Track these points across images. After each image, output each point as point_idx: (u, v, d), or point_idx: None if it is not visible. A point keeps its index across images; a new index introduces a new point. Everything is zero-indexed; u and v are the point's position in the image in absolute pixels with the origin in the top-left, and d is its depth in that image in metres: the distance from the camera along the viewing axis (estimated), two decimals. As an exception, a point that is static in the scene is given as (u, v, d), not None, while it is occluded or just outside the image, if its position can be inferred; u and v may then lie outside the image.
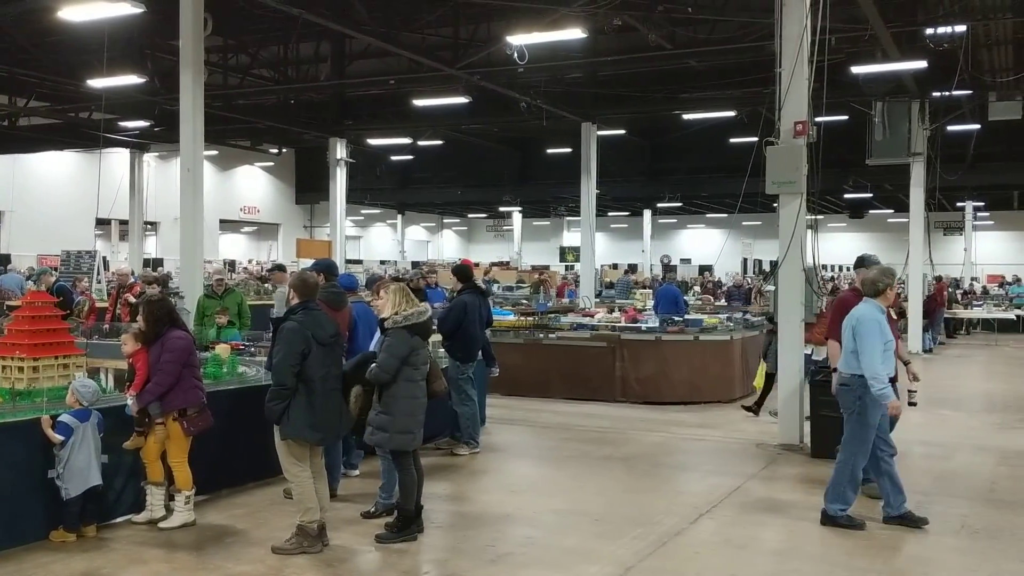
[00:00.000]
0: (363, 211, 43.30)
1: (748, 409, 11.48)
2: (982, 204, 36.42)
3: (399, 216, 44.90)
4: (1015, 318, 25.52)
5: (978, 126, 21.22)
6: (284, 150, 35.59)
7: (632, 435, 10.30)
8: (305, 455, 6.10)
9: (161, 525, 6.45)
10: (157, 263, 29.48)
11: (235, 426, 7.14)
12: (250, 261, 36.83)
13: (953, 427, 11.16)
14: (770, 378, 11.16)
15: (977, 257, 35.18)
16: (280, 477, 6.44)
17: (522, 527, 6.70)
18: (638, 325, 13.38)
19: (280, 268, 14.68)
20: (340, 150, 23.73)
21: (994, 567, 5.91)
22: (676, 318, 14.07)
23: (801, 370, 9.68)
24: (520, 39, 14.03)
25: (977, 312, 26.30)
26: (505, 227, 47.29)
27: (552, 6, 13.65)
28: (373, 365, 6.21)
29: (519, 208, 41.66)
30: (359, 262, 37.50)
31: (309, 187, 37.08)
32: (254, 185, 38.16)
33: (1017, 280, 33.97)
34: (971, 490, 7.91)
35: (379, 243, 47.88)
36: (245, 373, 8.09)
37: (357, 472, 7.98)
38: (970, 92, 17.92)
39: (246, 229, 42.34)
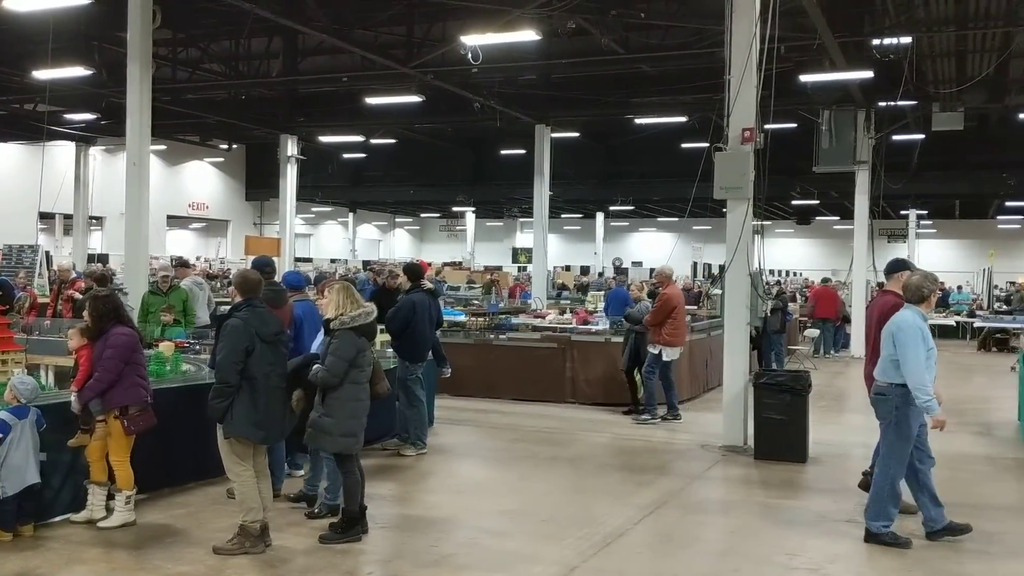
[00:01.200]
0: (314, 209, 42.95)
1: (630, 412, 11.70)
2: (925, 212, 37.30)
3: (351, 214, 44.61)
4: (955, 324, 26.12)
5: (922, 136, 21.75)
6: (234, 146, 35.11)
7: (580, 436, 10.36)
8: (248, 454, 6.04)
9: (100, 524, 6.34)
10: (102, 259, 28.93)
11: (177, 424, 7.04)
12: (198, 258, 36.32)
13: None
14: (628, 374, 11.74)
15: (920, 264, 35.81)
16: (223, 476, 6.37)
17: (467, 528, 6.70)
18: (588, 327, 13.45)
19: (183, 264, 14.15)
20: (291, 147, 23.53)
21: (928, 567, 6.04)
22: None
23: (744, 375, 9.80)
24: (474, 39, 14.03)
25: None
26: (458, 227, 47.29)
27: (506, 7, 13.68)
28: (318, 367, 6.16)
29: (472, 208, 41.67)
30: (309, 260, 37.20)
31: (259, 184, 36.66)
32: (203, 181, 37.61)
33: (959, 288, 34.79)
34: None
35: (330, 241, 47.52)
36: (189, 371, 7.99)
37: (302, 472, 7.91)
38: (914, 102, 18.33)
39: (194, 226, 41.73)
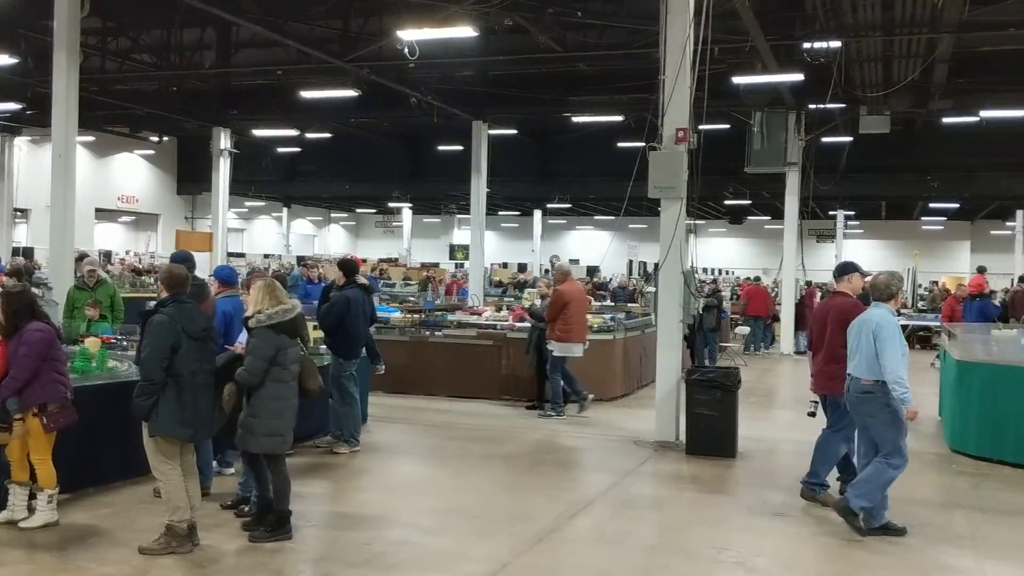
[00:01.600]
0: (247, 203, 42.25)
1: (534, 407, 11.80)
2: (853, 213, 38.17)
3: (284, 209, 44.00)
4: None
5: (850, 138, 22.26)
6: (165, 138, 34.42)
7: (514, 433, 10.39)
8: (175, 452, 5.93)
9: (22, 525, 6.17)
10: (27, 252, 28.07)
11: (103, 422, 6.87)
12: (128, 252, 35.46)
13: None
14: (540, 374, 11.76)
15: (847, 264, 36.76)
16: (150, 475, 6.23)
17: (399, 527, 6.67)
18: (525, 324, 13.47)
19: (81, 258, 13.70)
20: (224, 140, 23.13)
21: (851, 559, 6.20)
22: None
23: (676, 371, 9.93)
24: (411, 34, 13.95)
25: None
26: (394, 223, 46.98)
27: (443, 3, 13.64)
28: (240, 367, 6.08)
29: (409, 204, 41.43)
30: (242, 255, 36.59)
31: (191, 177, 35.91)
32: (133, 174, 36.69)
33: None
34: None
35: (263, 236, 46.81)
36: (115, 368, 7.80)
37: (232, 470, 7.79)
38: (843, 106, 18.76)
39: (124, 219, 40.73)
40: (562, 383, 11.41)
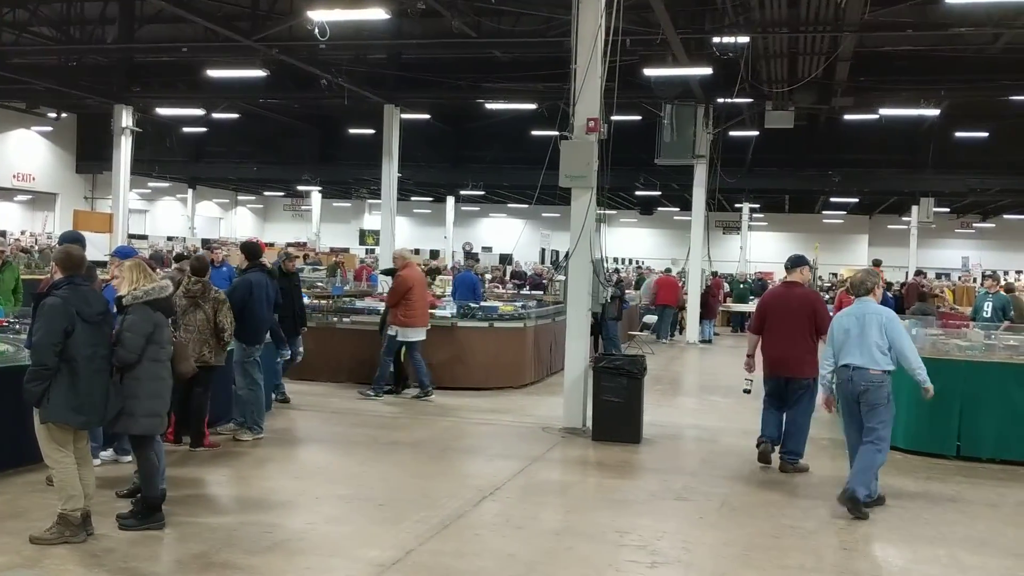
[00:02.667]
0: (150, 184, 41.04)
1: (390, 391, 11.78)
2: (758, 206, 39.21)
3: (190, 191, 42.82)
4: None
5: (757, 133, 22.81)
6: (64, 115, 33.17)
7: (423, 420, 10.36)
8: (68, 440, 5.72)
9: (-99, 516, 5.88)
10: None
11: (-9, 409, 6.59)
12: (23, 232, 34.02)
13: (722, 412, 11.94)
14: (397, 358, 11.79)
15: (751, 255, 37.84)
16: (42, 463, 6.00)
17: (303, 513, 6.58)
18: (434, 311, 13.43)
19: None
20: (126, 118, 22.33)
21: (747, 541, 6.38)
22: (472, 304, 14.26)
23: (584, 359, 10.03)
24: (322, 15, 13.71)
25: (750, 306, 28.26)
26: (303, 207, 46.22)
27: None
28: (117, 347, 5.90)
29: (319, 188, 40.80)
30: (144, 237, 35.53)
31: (92, 156, 34.61)
32: (29, 151, 35.20)
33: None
34: (733, 471, 8.48)
35: (167, 218, 45.53)
36: (5, 351, 7.49)
37: (129, 458, 7.55)
38: (750, 100, 19.21)
39: (20, 198, 39.06)
40: (392, 366, 11.67)
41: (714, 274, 25.49)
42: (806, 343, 8.25)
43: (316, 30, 13.88)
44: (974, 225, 42.91)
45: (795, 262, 8.66)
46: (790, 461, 8.40)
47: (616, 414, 9.34)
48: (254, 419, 8.95)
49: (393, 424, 10.07)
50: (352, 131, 29.26)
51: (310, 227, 43.44)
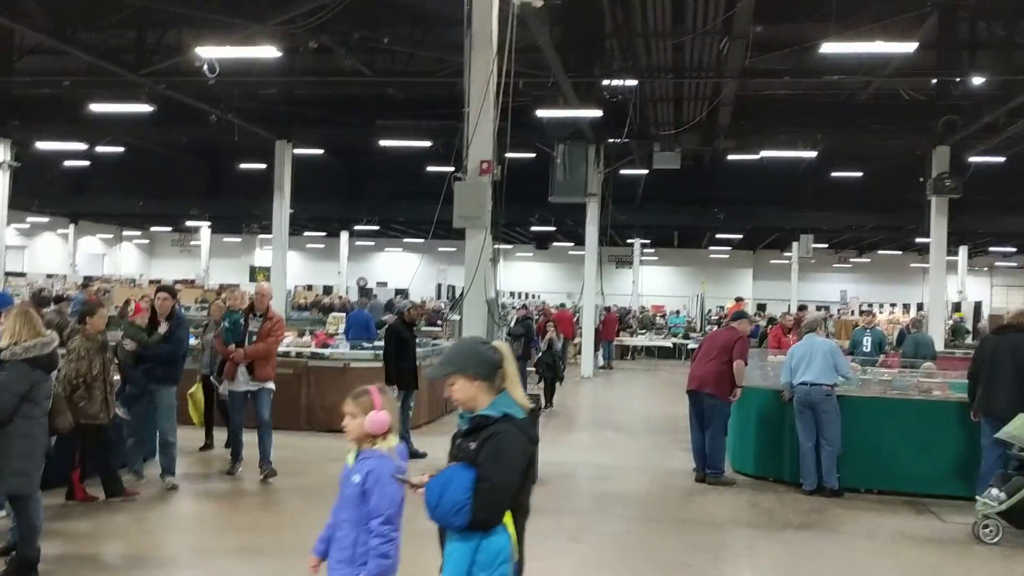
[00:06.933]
0: (29, 219, 39.28)
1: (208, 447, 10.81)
2: (648, 241, 40.13)
3: (71, 226, 41.20)
4: (672, 345, 28.31)
5: (646, 171, 23.41)
6: (-66, 146, 31.49)
7: (314, 466, 10.14)
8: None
9: None
10: None
11: None
12: None
13: (616, 448, 12.12)
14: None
15: (643, 289, 38.69)
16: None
17: (188, 569, 6.35)
18: (326, 351, 13.25)
19: None
20: (3, 152, 21.41)
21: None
22: (367, 344, 14.12)
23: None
24: (211, 52, 13.46)
25: (641, 340, 28.87)
26: (192, 242, 45.01)
27: (246, 21, 13.27)
28: None
29: (208, 223, 39.83)
30: (22, 275, 33.95)
31: (-36, 189, 32.98)
32: None
33: (677, 312, 37.78)
34: (627, 509, 8.61)
35: (47, 255, 43.62)
36: None
37: (4, 512, 7.17)
38: (639, 141, 19.74)
39: None
40: None
41: (608, 309, 25.93)
42: (717, 367, 9.65)
43: (205, 66, 13.62)
44: (851, 260, 44.90)
45: (736, 317, 10.83)
46: (713, 475, 9.66)
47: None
48: (138, 465, 8.65)
49: (284, 470, 9.79)
50: (243, 165, 28.71)
51: (199, 263, 42.30)
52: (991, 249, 38.37)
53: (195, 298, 26.49)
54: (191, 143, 28.08)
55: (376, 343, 14.13)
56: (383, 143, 23.42)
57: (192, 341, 10.61)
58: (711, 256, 46.20)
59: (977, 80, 15.67)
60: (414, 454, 10.35)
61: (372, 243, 48.02)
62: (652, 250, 43.29)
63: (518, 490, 3.35)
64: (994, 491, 7.53)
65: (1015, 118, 16.51)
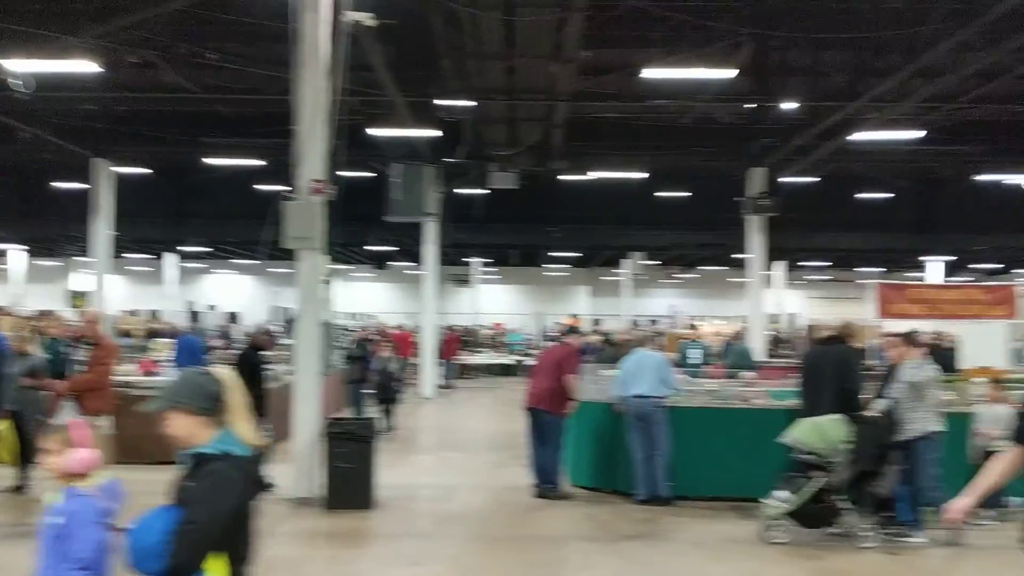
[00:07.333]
0: None
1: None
2: (488, 260, 40.50)
3: None
4: (513, 363, 28.64)
5: (484, 191, 23.65)
6: None
7: (130, 500, 9.59)
8: None
9: None
10: None
11: None
12: None
13: (458, 468, 12.10)
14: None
15: (483, 308, 38.99)
16: None
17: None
18: (150, 379, 12.63)
19: None
20: None
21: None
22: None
23: (315, 425, 9.80)
24: (21, 65, 12.63)
25: (481, 358, 29.06)
26: (1, 266, 41.93)
27: (60, 34, 12.53)
28: None
29: (22, 246, 37.24)
30: None
31: None
32: None
33: (515, 330, 38.28)
34: (468, 529, 8.59)
35: None
36: None
37: None
38: (476, 161, 19.93)
39: None
40: None
41: (449, 328, 25.97)
42: (552, 383, 9.84)
43: (13, 81, 12.75)
44: (679, 276, 46.78)
45: (566, 332, 11.79)
46: (551, 490, 9.81)
47: (349, 480, 9.17)
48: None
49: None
50: (58, 185, 27.06)
51: (7, 288, 39.42)
52: (805, 264, 40.86)
53: (10, 326, 24.60)
54: (1, 161, 26.25)
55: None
56: (212, 161, 22.62)
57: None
58: (549, 274, 47.11)
59: (788, 105, 16.74)
60: (266, 485, 10.00)
61: (202, 264, 46.26)
62: (492, 268, 43.70)
63: (232, 535, 3.08)
64: (780, 492, 7.93)
65: (823, 141, 17.70)
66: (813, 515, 7.97)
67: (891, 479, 7.86)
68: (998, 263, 38.38)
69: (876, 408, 8.18)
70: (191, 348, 15.14)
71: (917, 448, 7.88)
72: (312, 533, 8.49)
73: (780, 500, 7.89)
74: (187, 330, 17.97)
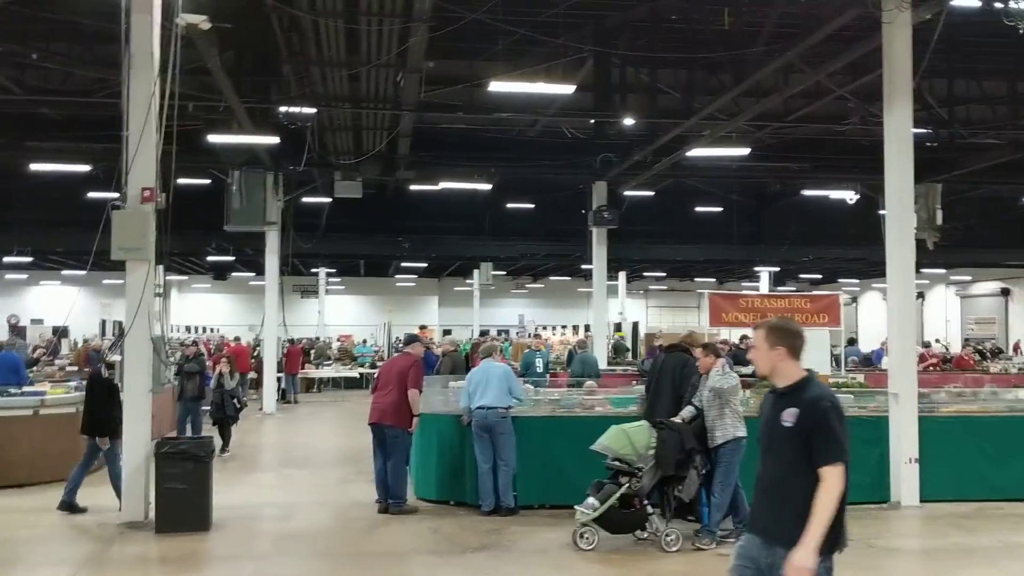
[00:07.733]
0: None
1: None
2: (334, 270, 39.82)
3: None
4: (359, 376, 28.24)
5: (329, 200, 23.22)
6: None
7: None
8: None
9: None
10: None
11: None
12: None
13: (298, 485, 11.79)
14: None
15: (330, 319, 38.29)
16: None
17: None
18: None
19: None
20: None
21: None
22: (13, 390, 12.68)
23: (146, 445, 9.32)
24: None
25: (327, 371, 28.52)
26: None
27: None
28: None
29: None
30: None
31: None
32: None
33: (364, 341, 37.81)
34: (307, 548, 8.36)
35: None
36: None
37: None
38: (320, 169, 19.53)
39: None
40: None
41: (292, 341, 25.33)
42: (396, 397, 9.75)
43: None
44: (527, 286, 47.42)
45: (407, 340, 11.34)
46: (396, 505, 9.72)
47: (182, 501, 8.77)
48: None
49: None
50: None
51: None
52: (645, 274, 42.21)
53: None
54: None
55: (25, 388, 12.75)
56: (36, 167, 21.24)
57: None
58: (398, 284, 46.78)
59: (628, 121, 17.25)
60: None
61: (26, 276, 43.42)
62: (339, 279, 42.99)
63: None
64: (590, 499, 8.10)
65: (661, 156, 18.33)
66: (620, 521, 8.19)
67: (694, 484, 8.14)
68: (821, 274, 40.85)
69: (681, 415, 8.46)
70: (10, 365, 14.13)
71: (722, 453, 8.20)
72: (142, 558, 8.07)
73: (588, 507, 8.04)
74: (6, 344, 16.68)
